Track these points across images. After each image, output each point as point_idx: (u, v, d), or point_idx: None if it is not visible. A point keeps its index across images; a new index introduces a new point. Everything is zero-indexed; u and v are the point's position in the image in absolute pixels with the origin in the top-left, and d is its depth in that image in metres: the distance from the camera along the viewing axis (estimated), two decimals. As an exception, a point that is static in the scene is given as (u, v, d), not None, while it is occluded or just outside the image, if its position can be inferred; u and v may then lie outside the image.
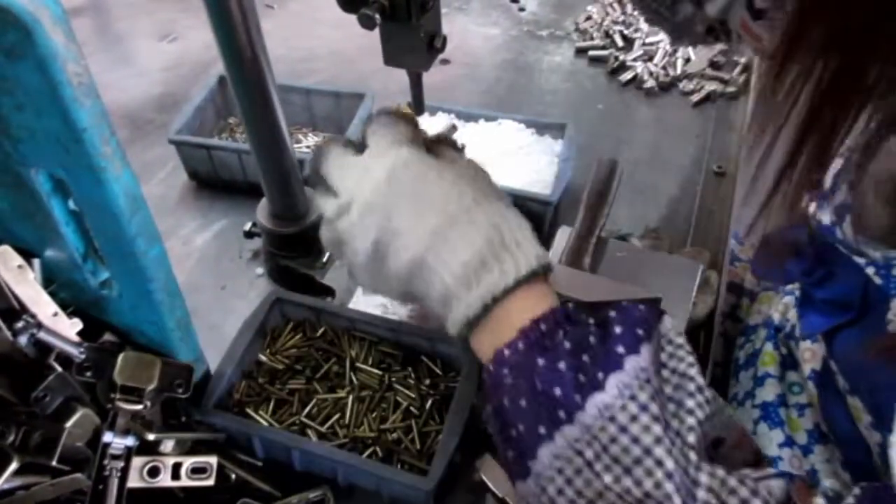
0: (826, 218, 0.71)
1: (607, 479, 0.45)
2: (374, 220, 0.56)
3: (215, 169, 1.09)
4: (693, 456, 0.46)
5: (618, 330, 0.49)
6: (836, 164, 0.70)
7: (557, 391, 0.47)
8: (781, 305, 0.85)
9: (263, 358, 0.82)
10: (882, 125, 0.46)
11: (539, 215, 0.98)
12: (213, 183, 1.11)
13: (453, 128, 0.93)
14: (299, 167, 0.93)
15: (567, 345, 0.49)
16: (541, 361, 0.49)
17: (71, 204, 0.64)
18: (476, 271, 0.52)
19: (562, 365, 0.48)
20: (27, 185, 0.62)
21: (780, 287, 0.94)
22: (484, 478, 0.69)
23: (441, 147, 0.61)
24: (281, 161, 0.88)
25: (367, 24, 0.58)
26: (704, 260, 0.96)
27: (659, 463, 0.44)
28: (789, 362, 0.81)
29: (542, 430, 0.48)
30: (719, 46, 1.31)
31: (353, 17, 0.64)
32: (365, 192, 0.56)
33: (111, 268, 0.68)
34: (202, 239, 1.06)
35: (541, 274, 0.54)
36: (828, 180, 0.71)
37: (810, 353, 0.77)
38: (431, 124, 0.99)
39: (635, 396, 0.46)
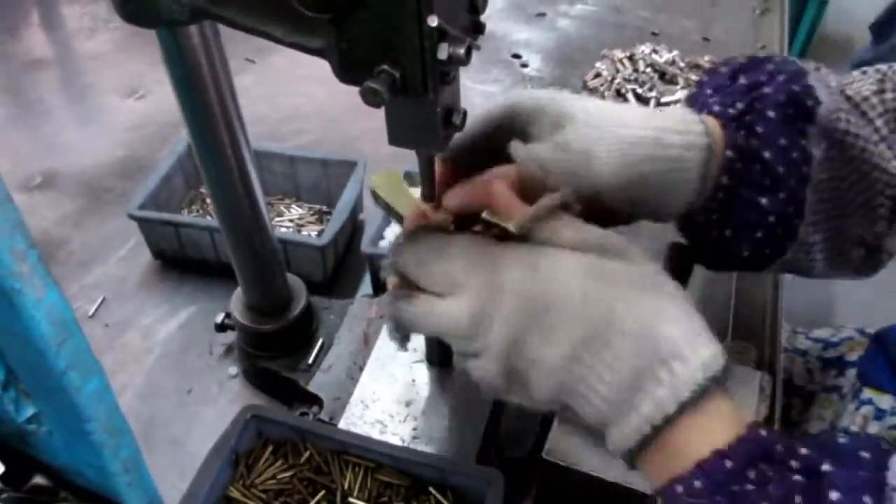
0: None
1: None
2: (505, 348, 0.46)
3: (183, 247, 0.94)
4: None
5: (835, 497, 0.38)
6: None
7: None
8: (859, 417, 0.72)
9: (235, 493, 0.67)
10: None
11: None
12: (180, 263, 0.97)
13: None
14: (281, 251, 0.79)
15: (766, 479, 0.39)
16: None
17: (-18, 327, 0.49)
18: (629, 395, 0.43)
19: None
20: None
21: (844, 389, 0.81)
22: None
23: (563, 225, 0.49)
24: (259, 245, 0.74)
25: (372, 100, 0.45)
26: (751, 358, 0.83)
27: None
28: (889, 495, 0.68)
29: None
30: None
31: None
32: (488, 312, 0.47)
33: (38, 403, 0.53)
34: (166, 330, 0.91)
35: (713, 389, 0.42)
36: None
37: None
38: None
39: None
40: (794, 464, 0.40)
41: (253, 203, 0.71)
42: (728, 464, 0.40)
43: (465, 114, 0.54)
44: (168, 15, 0.52)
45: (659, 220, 0.58)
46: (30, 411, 0.54)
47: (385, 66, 0.46)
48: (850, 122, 0.55)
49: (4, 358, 0.51)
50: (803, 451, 0.40)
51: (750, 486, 0.39)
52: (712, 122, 0.56)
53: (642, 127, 0.53)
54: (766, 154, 0.55)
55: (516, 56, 1.39)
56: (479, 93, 1.31)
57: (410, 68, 0.46)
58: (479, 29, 0.52)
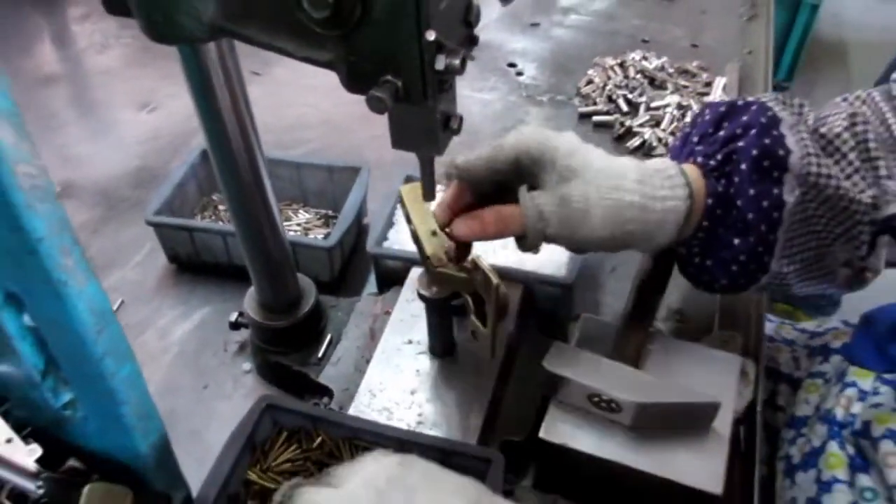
0: None
1: None
2: None
3: (197, 252, 0.99)
4: None
5: None
6: None
7: None
8: (843, 399, 0.77)
9: (253, 476, 0.71)
10: None
11: (553, 299, 0.89)
12: (194, 266, 1.02)
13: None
14: (291, 252, 0.84)
15: None
16: None
17: (27, 318, 0.54)
18: None
19: None
20: (-25, 297, 0.52)
21: (828, 375, 0.86)
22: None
23: None
24: (271, 246, 0.79)
25: (377, 107, 0.50)
26: (736, 346, 0.87)
27: None
28: (859, 464, 0.72)
29: None
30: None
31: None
32: None
33: (75, 389, 0.58)
34: (182, 330, 0.96)
35: None
36: None
37: None
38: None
39: None
40: None
41: (266, 207, 0.75)
42: None
43: (461, 119, 0.59)
44: (189, 33, 0.57)
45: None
46: (67, 397, 0.58)
47: (388, 77, 0.51)
48: (820, 164, 0.62)
49: (46, 347, 0.56)
50: None
51: None
52: (696, 174, 0.65)
53: (634, 192, 0.62)
54: (739, 202, 0.62)
55: (512, 65, 1.44)
56: (477, 101, 1.36)
57: (411, 78, 0.51)
58: (473, 41, 0.57)
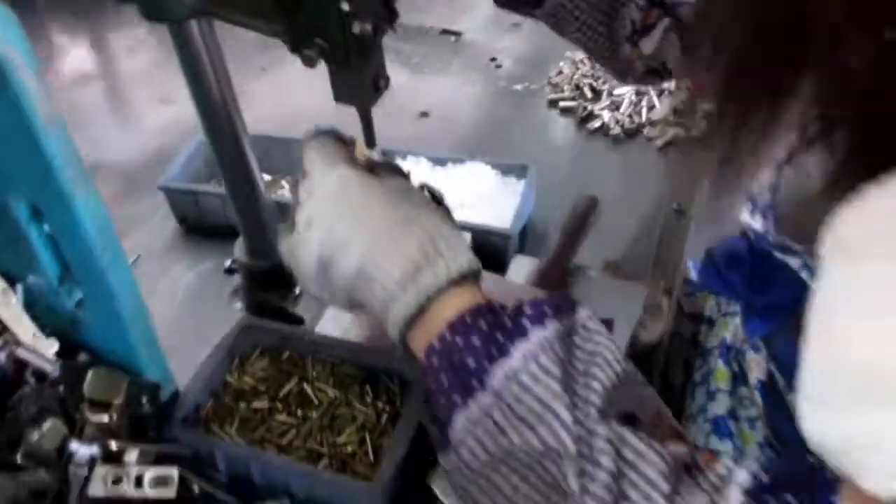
0: (758, 224, 0.75)
1: (514, 437, 0.49)
2: (318, 235, 0.62)
3: (202, 214, 1.16)
4: (593, 412, 0.49)
5: (528, 310, 0.54)
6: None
7: (471, 362, 0.53)
8: (733, 326, 0.89)
9: (230, 380, 0.86)
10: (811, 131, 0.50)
11: (500, 249, 1.03)
12: (200, 228, 1.18)
13: (383, 156, 1.01)
14: (275, 207, 1.00)
15: (483, 325, 0.54)
16: (459, 341, 0.54)
17: (47, 228, 0.70)
18: (412, 275, 0.58)
19: (475, 340, 0.53)
20: (9, 213, 0.69)
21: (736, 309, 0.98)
22: (433, 487, 0.73)
23: (379, 169, 0.68)
24: (254, 202, 0.95)
25: (307, 63, 0.66)
26: (660, 287, 1.00)
27: (556, 416, 0.48)
28: (741, 378, 0.84)
29: (457, 398, 0.53)
30: (682, 95, 1.38)
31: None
32: (307, 210, 0.63)
33: (83, 288, 0.74)
34: (187, 280, 1.12)
35: (471, 276, 0.60)
36: (756, 186, 0.76)
37: (755, 363, 0.80)
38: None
39: (538, 359, 0.51)
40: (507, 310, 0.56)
41: (249, 174, 0.91)
42: (467, 318, 0.55)
43: (388, 79, 0.74)
44: (175, 13, 0.73)
45: None
46: (78, 296, 0.74)
47: (318, 40, 0.67)
48: None
49: (61, 256, 0.72)
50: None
51: (478, 324, 0.55)
52: None
53: None
54: None
55: (492, 59, 1.59)
56: (460, 93, 1.50)
57: (335, 41, 0.66)
58: (392, 14, 0.72)
